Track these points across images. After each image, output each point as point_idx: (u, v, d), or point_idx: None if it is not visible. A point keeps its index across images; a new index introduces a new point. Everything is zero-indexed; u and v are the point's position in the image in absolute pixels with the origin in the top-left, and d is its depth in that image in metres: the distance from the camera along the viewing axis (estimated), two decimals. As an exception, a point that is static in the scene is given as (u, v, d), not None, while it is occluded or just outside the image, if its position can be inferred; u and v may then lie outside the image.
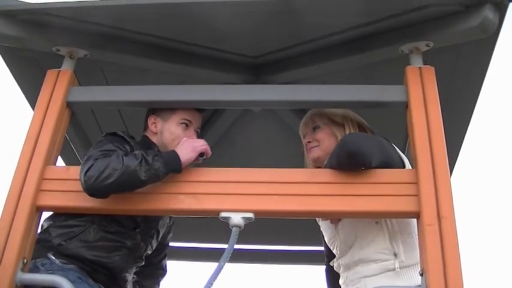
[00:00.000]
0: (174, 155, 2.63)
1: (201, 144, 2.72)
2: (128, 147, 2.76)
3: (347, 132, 2.91)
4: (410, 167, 2.78)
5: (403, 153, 3.08)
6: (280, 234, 4.24)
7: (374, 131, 2.98)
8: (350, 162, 2.57)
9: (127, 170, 2.50)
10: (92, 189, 2.52)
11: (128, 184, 2.55)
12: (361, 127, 2.97)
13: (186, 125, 2.96)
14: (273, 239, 4.40)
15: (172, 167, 2.60)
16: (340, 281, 2.89)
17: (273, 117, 3.69)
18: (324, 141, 2.92)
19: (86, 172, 2.52)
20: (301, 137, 3.06)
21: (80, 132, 3.26)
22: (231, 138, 3.82)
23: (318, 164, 2.92)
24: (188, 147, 2.68)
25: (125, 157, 2.54)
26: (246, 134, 3.75)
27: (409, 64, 2.86)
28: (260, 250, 4.43)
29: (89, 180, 2.50)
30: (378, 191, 2.55)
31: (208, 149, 2.74)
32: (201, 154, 2.72)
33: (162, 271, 3.28)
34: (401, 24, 2.91)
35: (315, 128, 2.97)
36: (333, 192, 2.58)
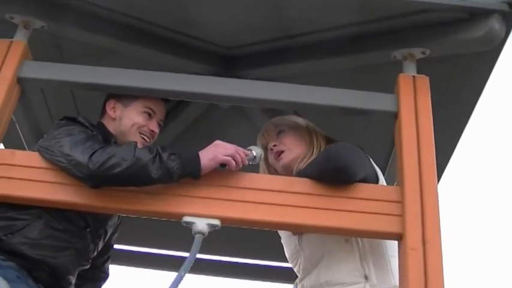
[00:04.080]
0: (195, 158, 2.56)
1: (225, 154, 2.58)
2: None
3: (314, 137, 2.92)
4: (385, 182, 2.79)
5: (386, 167, 3.12)
6: (249, 246, 4.25)
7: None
8: (336, 177, 2.58)
9: (137, 163, 2.47)
10: (97, 176, 2.49)
11: (136, 179, 2.52)
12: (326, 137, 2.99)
13: (149, 115, 2.95)
14: (239, 251, 4.41)
15: (189, 171, 2.54)
16: None
17: (242, 116, 3.70)
18: (295, 146, 2.91)
19: (90, 156, 2.49)
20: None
21: (28, 114, 3.21)
22: (194, 134, 3.80)
23: (287, 172, 2.89)
24: (210, 153, 2.58)
25: (138, 148, 2.52)
26: (210, 131, 3.72)
27: (401, 71, 2.87)
28: (225, 262, 4.45)
29: (94, 165, 2.47)
30: (358, 207, 2.56)
31: (232, 162, 2.58)
32: (223, 165, 2.60)
33: (104, 274, 3.24)
34: (396, 28, 2.93)
35: (280, 132, 2.97)
36: (309, 204, 2.57)
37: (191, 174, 2.55)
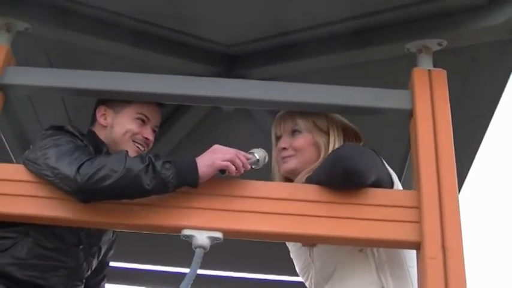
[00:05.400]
0: (192, 165, 2.48)
1: (223, 159, 2.50)
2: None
3: (331, 141, 2.81)
4: (401, 187, 2.72)
5: (403, 171, 3.06)
6: (253, 260, 4.23)
7: (361, 134, 2.91)
8: (345, 181, 2.50)
9: (128, 174, 2.40)
10: (86, 190, 2.42)
11: (128, 191, 2.46)
12: (346, 130, 2.88)
13: (143, 121, 2.89)
14: (244, 266, 4.39)
15: (185, 180, 2.47)
16: None
17: (246, 119, 3.66)
18: (304, 152, 2.80)
19: (78, 168, 2.42)
20: (273, 137, 2.94)
21: (15, 123, 3.19)
22: (195, 140, 3.77)
23: (290, 177, 2.82)
24: (208, 159, 2.51)
25: (129, 158, 2.47)
26: (213, 136, 3.61)
27: (416, 65, 2.81)
28: (229, 278, 4.44)
29: (82, 179, 2.40)
30: (371, 214, 2.49)
31: (231, 167, 2.50)
32: (222, 171, 2.52)
33: None
34: (409, 17, 2.90)
35: (295, 132, 2.85)
36: (319, 212, 2.50)
37: (188, 183, 2.48)
